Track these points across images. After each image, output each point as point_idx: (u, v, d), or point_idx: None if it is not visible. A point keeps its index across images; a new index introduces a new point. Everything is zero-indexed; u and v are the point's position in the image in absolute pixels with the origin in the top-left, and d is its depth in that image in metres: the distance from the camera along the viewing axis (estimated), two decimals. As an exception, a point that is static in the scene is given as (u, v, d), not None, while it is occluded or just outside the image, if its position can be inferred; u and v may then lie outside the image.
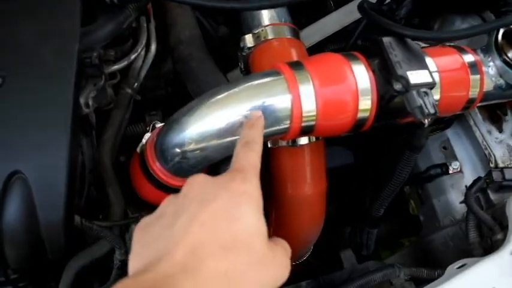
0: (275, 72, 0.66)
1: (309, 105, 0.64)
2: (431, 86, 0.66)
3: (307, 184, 0.78)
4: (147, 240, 0.47)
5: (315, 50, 0.96)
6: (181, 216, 0.46)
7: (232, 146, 0.67)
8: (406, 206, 1.40)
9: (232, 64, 0.95)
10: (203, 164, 0.70)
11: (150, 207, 0.79)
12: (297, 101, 0.64)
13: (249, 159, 0.53)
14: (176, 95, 0.94)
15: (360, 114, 0.67)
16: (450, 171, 0.97)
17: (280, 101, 0.64)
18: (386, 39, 0.67)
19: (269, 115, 0.64)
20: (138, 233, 0.49)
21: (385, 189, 0.75)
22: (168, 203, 0.50)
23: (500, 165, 0.93)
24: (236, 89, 0.65)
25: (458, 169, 0.98)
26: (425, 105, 0.63)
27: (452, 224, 0.94)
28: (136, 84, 0.79)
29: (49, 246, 0.64)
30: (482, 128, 0.97)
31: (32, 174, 0.61)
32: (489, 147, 0.95)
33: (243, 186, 0.48)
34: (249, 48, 0.82)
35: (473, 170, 0.98)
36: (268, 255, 0.46)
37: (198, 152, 0.67)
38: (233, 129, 0.64)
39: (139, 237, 0.48)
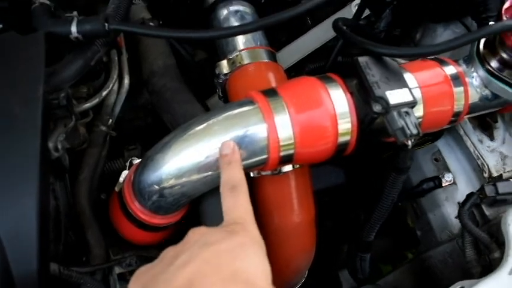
0: (249, 102, 0.64)
1: (286, 134, 0.62)
2: (412, 104, 0.63)
3: (294, 212, 0.75)
4: (145, 282, 0.46)
5: (295, 69, 0.94)
6: (181, 256, 0.45)
7: (211, 181, 0.64)
8: (405, 217, 1.37)
9: (212, 90, 0.93)
10: (182, 200, 0.67)
11: (134, 247, 0.77)
12: (272, 130, 0.61)
13: (242, 207, 0.52)
14: (157, 124, 0.91)
15: (341, 139, 0.64)
16: (443, 184, 0.95)
17: (256, 131, 0.61)
18: (362, 59, 0.65)
19: (246, 147, 0.61)
20: (135, 278, 0.48)
21: (374, 213, 0.72)
22: (168, 250, 0.49)
23: (494, 174, 0.91)
24: (210, 122, 0.63)
25: (452, 181, 0.95)
26: (407, 125, 0.61)
27: (450, 238, 0.91)
28: (110, 120, 0.77)
29: (24, 300, 0.61)
30: (473, 137, 0.94)
31: (2, 227, 0.58)
32: (482, 156, 0.92)
33: (245, 238, 0.48)
34: (225, 74, 0.80)
35: (468, 181, 0.95)
36: None
37: (176, 188, 0.64)
38: (210, 164, 0.62)
39: (136, 281, 0.47)
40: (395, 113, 0.61)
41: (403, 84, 0.64)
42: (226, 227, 0.50)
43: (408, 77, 0.69)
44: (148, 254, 0.76)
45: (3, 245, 0.58)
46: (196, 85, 0.93)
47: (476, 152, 0.93)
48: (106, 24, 0.67)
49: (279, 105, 0.62)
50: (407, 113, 0.62)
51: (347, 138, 0.64)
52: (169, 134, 0.65)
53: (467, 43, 0.66)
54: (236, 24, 0.84)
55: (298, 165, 0.74)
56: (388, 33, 0.94)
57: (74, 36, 0.68)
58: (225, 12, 0.86)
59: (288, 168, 0.73)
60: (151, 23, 0.84)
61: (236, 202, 0.53)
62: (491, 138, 0.93)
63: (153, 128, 0.91)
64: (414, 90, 0.67)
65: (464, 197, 0.81)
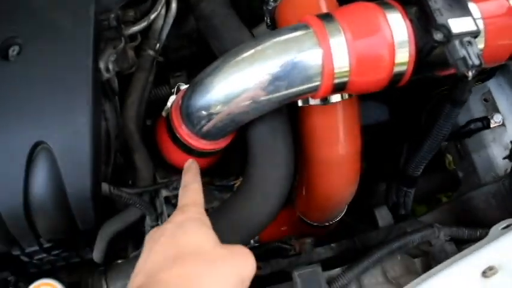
0: (303, 26, 0.62)
1: (341, 60, 0.59)
2: (475, 34, 0.60)
3: (341, 144, 0.74)
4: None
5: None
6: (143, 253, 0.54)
7: (261, 107, 0.64)
8: (443, 159, 1.35)
9: (258, 19, 0.90)
10: (232, 126, 0.67)
11: (179, 171, 0.78)
12: (327, 55, 0.59)
13: (187, 197, 0.60)
14: (202, 54, 0.90)
15: (397, 69, 0.62)
16: (492, 125, 0.92)
17: (309, 56, 0.60)
18: (425, -15, 0.61)
19: (298, 72, 0.60)
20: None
21: (423, 147, 0.70)
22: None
23: (547, 116, 0.87)
24: (262, 46, 0.61)
25: (501, 122, 0.92)
26: (469, 56, 0.58)
27: (495, 180, 0.89)
28: (158, 45, 0.76)
29: (78, 217, 0.63)
30: (526, 78, 0.90)
31: (55, 144, 0.59)
32: (534, 98, 0.88)
33: (182, 216, 0.55)
34: (275, 1, 0.77)
35: (517, 122, 0.92)
36: (222, 253, 0.51)
37: (224, 114, 0.64)
38: (261, 89, 0.61)
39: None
40: (457, 42, 0.58)
41: (466, 12, 0.61)
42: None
43: (471, 6, 0.65)
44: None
45: (57, 163, 0.59)
46: (242, 14, 0.90)
47: (529, 93, 0.89)
48: None
49: (336, 30, 0.60)
50: (469, 42, 0.59)
51: (403, 68, 0.62)
52: (219, 58, 0.64)
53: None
54: None
55: (347, 96, 0.72)
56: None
57: (124, -46, 0.66)
58: None
59: (336, 98, 0.71)
60: None
61: (184, 194, 0.61)
62: (546, 79, 0.89)
63: (198, 57, 0.90)
64: (477, 21, 0.64)
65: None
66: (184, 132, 0.69)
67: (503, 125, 0.92)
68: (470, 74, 0.59)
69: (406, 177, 0.77)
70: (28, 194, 0.60)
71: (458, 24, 0.59)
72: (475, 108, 0.96)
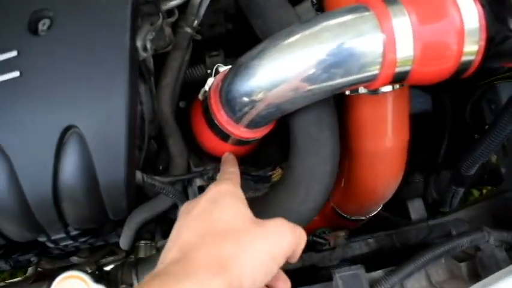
0: (362, 8, 0.55)
1: (405, 47, 0.53)
2: (557, 23, 0.53)
3: (389, 137, 0.69)
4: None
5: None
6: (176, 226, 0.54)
7: (310, 95, 0.58)
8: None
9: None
10: (276, 115, 0.62)
11: (213, 159, 0.73)
12: (390, 41, 0.53)
13: (226, 173, 0.61)
14: (238, 32, 0.84)
15: (464, 58, 0.55)
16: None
17: (368, 41, 0.54)
18: (503, -34, 0.55)
19: (356, 59, 0.54)
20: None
21: (480, 145, 0.65)
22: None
23: None
24: (314, 29, 0.56)
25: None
26: (550, 49, 0.52)
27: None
28: (196, 22, 0.70)
29: (110, 206, 0.59)
30: None
31: (87, 129, 0.55)
32: None
33: (216, 190, 0.55)
34: (323, -24, 0.70)
35: None
36: (253, 231, 0.51)
37: (270, 101, 0.58)
38: (312, 76, 0.55)
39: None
40: (537, 33, 0.52)
41: (549, -3, 0.54)
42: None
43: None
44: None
45: (89, 150, 0.54)
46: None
47: None
48: None
49: (399, 12, 0.53)
50: (551, 34, 0.52)
51: (471, 58, 0.55)
52: (266, 40, 0.59)
53: None
54: None
55: (397, 86, 0.66)
56: None
57: None
58: None
59: (387, 88, 0.66)
60: None
61: (223, 172, 0.62)
62: None
63: (234, 35, 0.84)
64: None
65: None
66: (223, 118, 0.64)
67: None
68: (549, 69, 0.53)
69: (457, 176, 0.72)
70: (57, 181, 0.56)
71: (539, 12, 0.53)
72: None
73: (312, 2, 0.75)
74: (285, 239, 0.52)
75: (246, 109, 0.60)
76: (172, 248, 0.50)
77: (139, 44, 0.56)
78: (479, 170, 1.12)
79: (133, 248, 0.82)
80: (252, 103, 0.59)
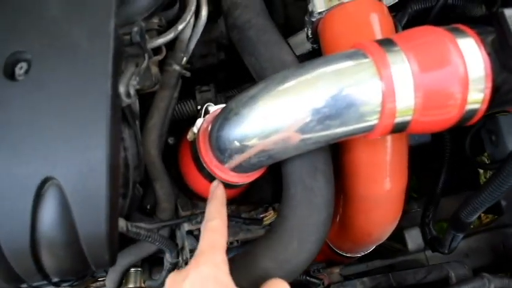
0: (359, 54, 0.52)
1: (405, 96, 0.50)
2: None
3: (385, 182, 0.66)
4: None
5: (396, 8, 0.79)
6: None
7: (302, 145, 0.55)
8: (477, 177, 1.27)
9: (295, 26, 0.81)
10: (267, 162, 0.59)
11: (202, 199, 0.70)
12: (389, 90, 0.50)
13: (206, 240, 0.56)
14: (230, 62, 0.80)
15: (468, 107, 0.52)
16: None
17: (366, 91, 0.50)
18: (509, 12, 0.51)
19: (353, 110, 0.51)
20: None
21: (481, 193, 0.61)
22: None
23: None
24: (309, 76, 0.52)
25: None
26: (559, 101, 0.49)
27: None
28: (185, 58, 0.66)
29: (92, 259, 0.55)
30: None
31: (66, 181, 0.51)
32: None
33: (197, 272, 0.53)
34: (320, 13, 0.67)
35: None
36: None
37: (260, 149, 0.55)
38: (304, 126, 0.52)
39: None
40: (545, 83, 0.49)
41: (557, 46, 0.51)
42: (192, 259, 0.55)
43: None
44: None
45: (68, 203, 0.51)
46: (277, 20, 0.81)
47: None
48: None
49: (399, 59, 0.50)
50: (559, 83, 0.49)
51: (476, 106, 0.52)
52: (257, 85, 0.55)
53: None
54: None
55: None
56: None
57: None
58: None
59: (386, 131, 0.63)
60: None
61: (208, 236, 0.57)
62: None
63: (226, 65, 0.81)
64: None
65: None
66: (211, 162, 0.61)
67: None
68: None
69: (457, 222, 0.68)
70: (35, 234, 0.52)
71: (547, 62, 0.50)
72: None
73: (307, 35, 0.71)
74: None
75: (235, 156, 0.57)
76: None
77: (122, 89, 0.53)
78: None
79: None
80: (242, 150, 0.56)
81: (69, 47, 0.52)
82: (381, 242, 0.79)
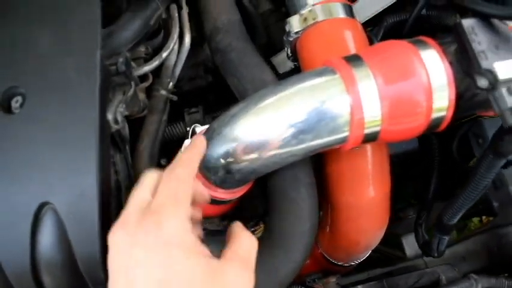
0: (329, 71, 0.56)
1: (372, 108, 0.54)
2: (526, 79, 0.53)
3: (368, 189, 0.68)
4: None
5: (372, 22, 0.83)
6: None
7: (282, 159, 0.58)
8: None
9: (277, 46, 0.85)
10: (251, 177, 0.62)
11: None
12: (357, 104, 0.53)
13: (166, 190, 0.46)
14: (218, 84, 0.84)
15: (435, 115, 0.55)
16: (532, 156, 0.84)
17: (337, 105, 0.54)
18: (467, 23, 0.55)
19: (325, 123, 0.54)
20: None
21: (461, 196, 0.64)
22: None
23: None
24: (284, 93, 0.56)
25: (543, 152, 0.84)
26: (519, 105, 0.51)
27: (535, 216, 0.83)
28: (171, 83, 0.70)
29: (88, 278, 0.59)
30: None
31: (61, 205, 0.55)
32: None
33: (158, 235, 0.43)
34: (296, 32, 0.71)
35: (560, 152, 0.85)
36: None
37: (244, 165, 0.58)
38: (282, 141, 0.55)
39: None
40: (504, 90, 0.52)
41: (515, 53, 0.54)
42: (148, 214, 0.45)
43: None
44: (211, 226, 0.72)
45: (64, 226, 0.55)
46: (259, 41, 0.85)
47: None
48: (166, -23, 0.59)
49: (365, 74, 0.54)
50: (519, 89, 0.52)
51: (442, 114, 0.56)
52: (238, 105, 0.59)
53: None
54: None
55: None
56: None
57: (132, -8, 0.61)
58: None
59: (364, 140, 0.66)
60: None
61: (167, 185, 0.47)
62: None
63: (214, 87, 0.85)
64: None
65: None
66: (199, 179, 0.64)
67: (545, 155, 0.85)
68: (519, 125, 0.53)
69: (441, 225, 0.71)
70: (35, 255, 0.56)
71: (506, 69, 0.53)
72: (511, 136, 0.89)
73: (287, 54, 0.75)
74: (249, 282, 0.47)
75: (220, 173, 0.60)
76: None
77: (110, 117, 0.57)
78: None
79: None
80: (226, 167, 0.59)
81: (59, 80, 0.57)
82: (371, 249, 0.81)
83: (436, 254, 0.77)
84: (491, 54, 0.53)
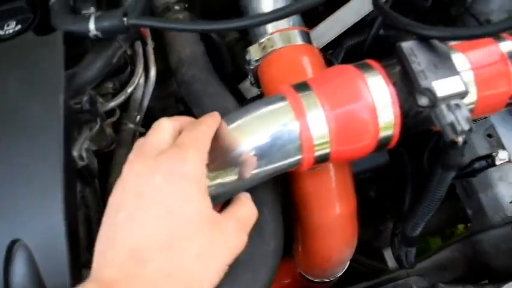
0: (280, 98, 0.59)
1: (320, 132, 0.56)
2: (463, 95, 0.56)
3: (333, 207, 0.71)
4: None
5: (332, 45, 0.87)
6: (120, 212, 0.46)
7: (241, 184, 0.61)
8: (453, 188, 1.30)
9: (244, 73, 0.88)
10: (215, 203, 0.64)
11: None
12: (305, 129, 0.56)
13: (191, 135, 0.50)
14: (189, 113, 0.87)
15: (382, 134, 0.58)
16: (497, 163, 0.86)
17: (288, 131, 0.57)
18: (406, 45, 0.58)
19: (279, 148, 0.57)
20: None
21: (419, 209, 0.66)
22: (113, 194, 0.48)
23: (555, 151, 0.82)
24: (236, 123, 0.59)
25: (507, 159, 0.87)
26: (458, 120, 0.54)
27: (505, 222, 0.85)
28: (139, 117, 0.74)
29: (60, 310, 0.61)
30: (531, 110, 0.85)
31: (32, 241, 0.58)
32: (540, 132, 0.83)
33: (180, 167, 0.46)
34: (256, 60, 0.74)
35: (526, 159, 0.87)
36: (216, 239, 0.47)
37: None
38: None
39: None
40: (443, 107, 0.55)
41: (453, 71, 0.57)
42: (166, 152, 0.48)
43: (458, 57, 0.61)
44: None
45: (35, 261, 0.57)
46: (226, 69, 0.88)
47: (533, 127, 0.84)
48: (124, 19, 0.63)
49: (312, 101, 0.57)
50: (457, 105, 0.55)
51: (389, 132, 0.58)
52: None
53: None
54: (267, 2, 0.78)
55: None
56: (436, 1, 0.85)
57: (93, 33, 0.64)
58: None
59: (325, 160, 0.68)
60: (176, 7, 0.79)
61: (188, 131, 0.52)
62: (552, 111, 0.84)
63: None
64: (466, 73, 0.60)
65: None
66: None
67: (510, 161, 0.87)
68: (460, 139, 0.55)
69: (404, 237, 0.73)
70: (8, 289, 0.59)
71: (444, 87, 0.56)
72: (478, 145, 0.91)
73: (251, 81, 0.78)
74: (237, 247, 0.51)
75: (186, 200, 0.63)
76: (119, 250, 0.43)
77: (75, 154, 0.60)
78: (453, 209, 1.14)
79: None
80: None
81: (25, 122, 0.60)
82: (346, 264, 0.83)
83: (407, 266, 0.79)
84: (430, 74, 0.56)
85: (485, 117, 0.91)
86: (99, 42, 0.66)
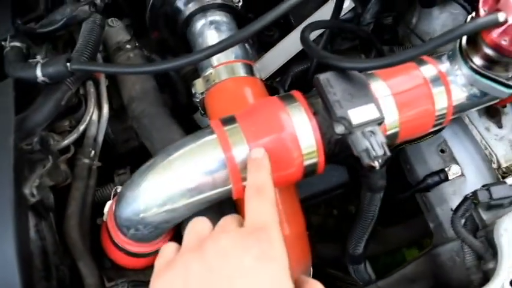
0: (209, 132, 0.63)
1: (245, 164, 0.60)
2: (379, 121, 0.59)
3: (284, 227, 0.74)
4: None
5: (280, 72, 0.91)
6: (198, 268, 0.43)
7: (179, 214, 0.65)
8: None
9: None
10: (159, 231, 0.68)
11: (130, 270, 0.79)
12: (231, 161, 0.60)
13: (267, 211, 0.47)
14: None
15: (307, 162, 0.62)
16: (450, 177, 0.89)
17: (216, 163, 0.61)
18: (323, 77, 0.62)
19: (206, 180, 0.61)
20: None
21: (357, 228, 0.70)
22: (191, 262, 0.45)
23: (504, 164, 0.85)
24: (171, 157, 0.63)
25: (459, 173, 0.89)
26: (372, 146, 0.57)
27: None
28: (93, 152, 0.78)
29: None
30: (479, 125, 0.87)
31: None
32: (489, 146, 0.86)
33: (269, 250, 0.42)
34: (201, 93, 0.79)
35: (477, 171, 0.89)
36: None
37: (149, 221, 0.65)
38: (174, 199, 0.62)
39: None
40: (359, 134, 0.58)
41: (368, 99, 0.61)
42: (249, 232, 0.45)
43: (378, 85, 0.65)
44: (145, 277, 0.78)
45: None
46: (182, 99, 0.93)
47: (483, 141, 0.87)
48: (68, 64, 0.68)
49: (237, 134, 0.61)
50: (372, 132, 0.58)
51: (314, 160, 0.62)
52: (137, 171, 0.66)
53: (437, 47, 0.60)
54: (212, 37, 0.83)
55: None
56: (378, 23, 0.89)
57: (41, 79, 0.69)
58: (199, 25, 0.84)
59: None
60: (128, 46, 0.84)
61: (260, 205, 0.48)
62: (499, 125, 0.87)
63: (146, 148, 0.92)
64: (386, 99, 0.64)
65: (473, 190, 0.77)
66: (118, 236, 0.71)
67: (462, 175, 0.90)
68: (376, 164, 0.58)
69: (349, 256, 0.76)
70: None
71: (359, 115, 0.59)
72: (431, 160, 0.93)
73: (201, 112, 0.83)
74: None
75: (131, 231, 0.67)
76: None
77: (27, 191, 0.64)
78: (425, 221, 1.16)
79: None
80: (136, 224, 0.66)
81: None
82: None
83: (363, 283, 0.82)
84: (345, 103, 0.60)
85: (438, 133, 0.93)
86: (48, 86, 0.71)
